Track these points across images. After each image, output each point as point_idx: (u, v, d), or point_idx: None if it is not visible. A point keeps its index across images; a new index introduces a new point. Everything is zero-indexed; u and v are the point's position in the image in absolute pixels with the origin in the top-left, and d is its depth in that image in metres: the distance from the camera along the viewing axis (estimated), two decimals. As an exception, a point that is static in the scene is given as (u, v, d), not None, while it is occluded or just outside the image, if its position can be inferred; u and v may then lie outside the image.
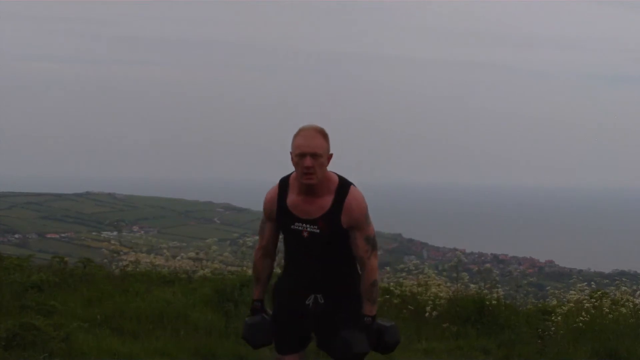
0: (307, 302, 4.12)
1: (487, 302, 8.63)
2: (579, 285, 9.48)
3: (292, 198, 4.05)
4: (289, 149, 4.04)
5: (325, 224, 3.99)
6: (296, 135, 3.97)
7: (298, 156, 3.92)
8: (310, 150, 3.90)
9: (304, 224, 4.01)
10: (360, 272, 4.11)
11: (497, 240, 67.95)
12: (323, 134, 3.98)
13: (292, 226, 4.04)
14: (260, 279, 4.28)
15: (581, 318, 8.32)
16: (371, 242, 4.07)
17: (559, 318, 8.50)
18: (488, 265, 11.02)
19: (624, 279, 10.04)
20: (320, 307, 4.11)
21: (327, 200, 4.00)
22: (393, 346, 4.14)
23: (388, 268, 11.18)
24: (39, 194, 67.29)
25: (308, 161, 3.89)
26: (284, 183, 4.11)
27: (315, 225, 3.99)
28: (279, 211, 4.07)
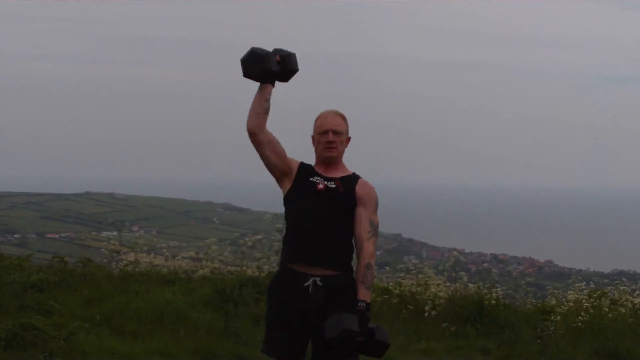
0: (305, 285, 4.10)
1: (487, 302, 8.64)
2: (578, 285, 9.49)
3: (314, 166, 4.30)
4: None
5: (342, 184, 4.20)
6: (318, 118, 4.28)
7: (320, 134, 4.22)
8: (332, 127, 4.20)
9: (322, 179, 4.20)
10: (357, 257, 4.18)
11: (497, 240, 67.91)
12: (343, 117, 4.29)
13: (310, 178, 4.20)
14: None
15: (580, 318, 8.32)
16: (374, 227, 4.19)
17: (558, 318, 8.51)
18: (486, 264, 11.04)
19: (623, 279, 10.06)
20: (320, 292, 4.08)
21: (345, 173, 4.27)
22: (384, 347, 4.08)
23: (387, 268, 11.20)
24: (39, 194, 67.21)
25: (330, 136, 4.20)
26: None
27: (332, 182, 4.20)
28: (301, 166, 4.26)
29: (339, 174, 4.24)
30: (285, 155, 4.24)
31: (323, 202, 4.14)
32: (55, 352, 6.43)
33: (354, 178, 4.25)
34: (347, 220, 4.16)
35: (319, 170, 4.26)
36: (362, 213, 4.16)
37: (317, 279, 4.10)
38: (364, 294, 4.07)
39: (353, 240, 4.20)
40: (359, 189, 4.20)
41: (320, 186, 4.17)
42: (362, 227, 4.14)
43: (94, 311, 7.74)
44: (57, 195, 67.46)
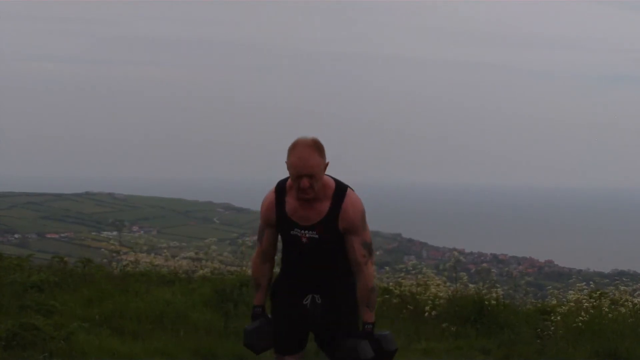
0: (304, 302, 4.14)
1: (487, 302, 8.64)
2: (578, 285, 9.48)
3: (290, 204, 4.07)
4: (285, 154, 4.07)
5: (323, 229, 4.02)
6: (292, 150, 3.96)
7: (294, 175, 3.95)
8: (306, 172, 3.92)
9: (303, 230, 4.04)
10: (356, 278, 4.10)
11: (497, 240, 67.91)
12: (318, 149, 3.96)
13: (291, 232, 4.08)
14: (261, 285, 4.29)
15: (580, 318, 8.31)
16: (368, 248, 4.09)
17: (558, 318, 8.51)
18: (486, 264, 11.02)
19: (623, 279, 10.05)
20: (319, 308, 4.14)
21: (325, 206, 4.03)
22: (392, 354, 4.13)
23: (387, 268, 11.19)
24: (39, 194, 67.24)
25: (305, 182, 3.93)
26: (281, 188, 4.12)
27: (313, 230, 4.03)
28: (278, 218, 4.12)
29: (319, 212, 4.03)
30: (273, 231, 4.19)
31: (310, 254, 4.08)
32: (55, 352, 6.43)
33: (334, 209, 4.02)
34: (338, 256, 4.10)
35: (297, 205, 4.05)
36: (353, 240, 4.05)
37: (317, 297, 4.14)
38: (369, 317, 4.08)
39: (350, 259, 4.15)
40: (341, 221, 4.02)
41: (304, 240, 4.06)
42: (357, 253, 4.06)
43: (94, 311, 7.73)
44: (57, 195, 67.47)
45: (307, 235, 4.04)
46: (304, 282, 4.14)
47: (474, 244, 53.75)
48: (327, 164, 4.01)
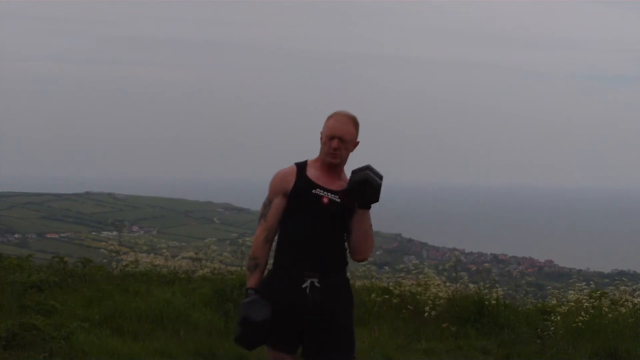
0: (304, 286, 4.12)
1: (487, 302, 8.64)
2: (578, 285, 9.48)
3: (312, 173, 4.22)
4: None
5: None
6: (330, 117, 4.22)
7: (327, 136, 4.17)
8: (340, 134, 4.15)
9: (326, 192, 4.17)
10: None
11: (497, 240, 67.95)
12: (355, 123, 4.22)
13: (312, 191, 4.15)
14: (259, 266, 4.24)
15: (580, 318, 8.32)
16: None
17: (558, 318, 8.52)
18: (486, 264, 11.01)
19: (623, 279, 10.05)
20: (317, 293, 4.11)
21: (344, 181, 4.23)
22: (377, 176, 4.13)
23: (387, 268, 11.19)
24: (39, 194, 67.27)
25: (335, 143, 4.15)
26: (301, 164, 4.27)
27: (336, 195, 4.17)
28: (299, 181, 4.18)
29: (341, 184, 4.20)
30: (281, 203, 4.19)
31: (330, 218, 4.14)
32: (55, 352, 6.43)
33: None
34: (344, 232, 4.22)
35: (321, 174, 4.21)
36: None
37: (315, 280, 4.13)
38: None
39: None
40: None
41: (325, 200, 4.15)
42: None
43: (94, 311, 7.74)
44: (57, 195, 67.50)
45: (329, 196, 4.15)
46: (304, 259, 4.11)
47: (474, 244, 53.80)
48: (357, 143, 4.25)
